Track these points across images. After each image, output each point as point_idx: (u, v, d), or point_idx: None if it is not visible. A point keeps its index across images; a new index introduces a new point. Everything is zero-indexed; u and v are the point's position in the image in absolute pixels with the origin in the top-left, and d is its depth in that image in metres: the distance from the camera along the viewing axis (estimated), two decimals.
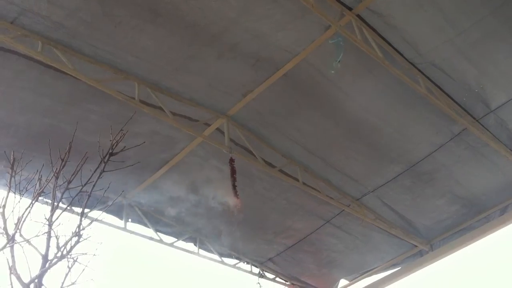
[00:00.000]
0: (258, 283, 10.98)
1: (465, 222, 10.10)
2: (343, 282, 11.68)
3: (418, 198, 9.69)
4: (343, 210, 9.63)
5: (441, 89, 7.81)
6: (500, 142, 8.54)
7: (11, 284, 3.64)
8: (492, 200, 9.71)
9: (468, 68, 7.49)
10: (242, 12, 6.57)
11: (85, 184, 3.80)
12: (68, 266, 3.73)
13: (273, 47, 7.09)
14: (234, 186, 7.95)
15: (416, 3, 6.66)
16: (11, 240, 3.73)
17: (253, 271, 11.00)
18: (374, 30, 7.01)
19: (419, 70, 7.53)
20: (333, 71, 6.92)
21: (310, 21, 6.76)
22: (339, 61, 6.74)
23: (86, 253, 3.79)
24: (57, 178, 3.87)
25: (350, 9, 6.78)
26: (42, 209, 3.94)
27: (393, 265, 11.05)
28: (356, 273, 11.48)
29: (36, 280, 3.65)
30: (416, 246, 10.60)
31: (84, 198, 3.80)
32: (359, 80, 7.66)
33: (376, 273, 11.26)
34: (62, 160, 3.89)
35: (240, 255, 10.75)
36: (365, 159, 8.92)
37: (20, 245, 3.76)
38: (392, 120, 8.29)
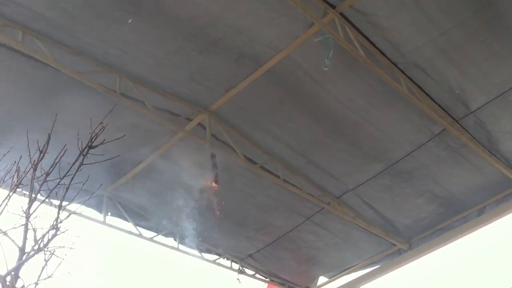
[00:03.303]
0: (238, 279, 11.00)
1: (444, 221, 10.20)
2: (322, 279, 11.73)
3: (397, 197, 9.76)
4: (323, 207, 9.67)
5: (422, 89, 7.87)
6: (479, 143, 8.62)
7: None
8: (470, 201, 9.81)
9: (449, 69, 7.56)
10: (226, 7, 6.55)
11: (63, 177, 3.77)
12: (45, 259, 3.70)
13: (256, 43, 7.09)
14: (215, 182, 7.95)
15: (399, 3, 6.69)
16: None
17: (233, 267, 11.01)
18: (357, 29, 7.04)
19: (401, 70, 7.57)
20: (326, 68, 6.94)
21: (293, 18, 6.77)
22: (329, 58, 6.77)
23: (63, 246, 3.76)
24: (35, 169, 3.83)
25: (333, 7, 6.79)
26: (19, 201, 3.91)
27: (372, 263, 11.13)
28: (335, 271, 11.54)
29: (12, 273, 3.61)
30: (394, 244, 10.69)
31: (63, 191, 3.77)
32: (341, 78, 7.69)
33: (354, 270, 11.33)
34: (41, 151, 3.85)
35: (220, 251, 10.76)
36: (346, 157, 8.97)
37: None
38: (374, 118, 8.34)
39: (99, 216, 9.17)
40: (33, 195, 3.82)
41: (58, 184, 3.77)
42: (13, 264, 3.64)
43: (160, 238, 9.98)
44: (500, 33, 7.14)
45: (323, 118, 8.30)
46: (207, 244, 10.47)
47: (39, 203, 3.83)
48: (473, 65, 7.54)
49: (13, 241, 3.71)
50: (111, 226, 9.30)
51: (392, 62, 7.45)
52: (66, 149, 3.76)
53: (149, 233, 9.85)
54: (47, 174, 3.79)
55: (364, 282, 10.99)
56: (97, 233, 9.48)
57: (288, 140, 8.64)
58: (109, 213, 9.31)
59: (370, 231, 10.28)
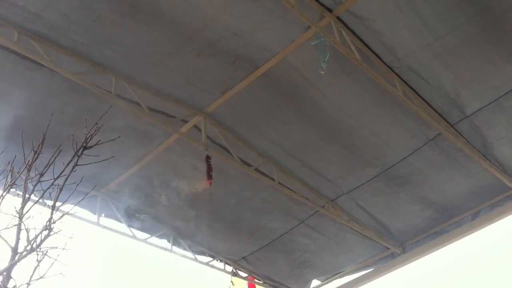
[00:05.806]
0: (231, 281, 10.99)
1: (437, 226, 10.22)
2: (315, 282, 11.73)
3: (392, 201, 9.77)
4: (318, 210, 9.68)
5: (417, 93, 7.88)
6: (473, 148, 8.65)
7: None
8: (464, 205, 9.84)
9: (445, 73, 7.58)
10: (222, 9, 6.56)
11: (57, 177, 3.76)
12: (37, 260, 3.69)
13: (252, 46, 7.10)
14: (209, 184, 7.94)
15: (396, 8, 6.71)
16: None
17: (226, 269, 11.00)
18: (353, 32, 7.06)
19: (397, 74, 7.59)
20: (322, 72, 6.94)
21: (290, 22, 6.79)
22: (325, 62, 6.78)
23: (56, 247, 3.75)
24: (29, 170, 3.82)
25: (330, 10, 6.81)
26: (13, 201, 3.90)
27: (365, 267, 11.13)
28: (329, 274, 11.53)
29: (4, 273, 3.60)
30: (388, 248, 10.70)
31: (56, 191, 3.76)
32: (337, 82, 7.70)
33: (348, 274, 11.33)
34: (35, 152, 3.84)
35: (213, 253, 10.74)
36: (341, 160, 8.98)
37: None
38: (369, 123, 8.35)
39: (93, 217, 9.15)
40: (27, 196, 3.81)
41: (52, 184, 3.76)
42: (5, 264, 3.63)
43: (154, 239, 9.95)
44: (495, 38, 7.17)
45: (318, 121, 8.31)
46: (201, 246, 10.46)
47: (32, 203, 3.82)
48: (468, 70, 7.56)
49: (5, 241, 3.69)
50: (104, 227, 9.26)
51: (388, 66, 7.47)
52: (61, 150, 3.75)
53: (142, 235, 9.82)
54: (41, 175, 3.78)
55: (357, 285, 11.01)
56: (90, 234, 9.47)
57: (283, 143, 8.65)
58: (102, 214, 9.29)
59: (364, 235, 10.29)
